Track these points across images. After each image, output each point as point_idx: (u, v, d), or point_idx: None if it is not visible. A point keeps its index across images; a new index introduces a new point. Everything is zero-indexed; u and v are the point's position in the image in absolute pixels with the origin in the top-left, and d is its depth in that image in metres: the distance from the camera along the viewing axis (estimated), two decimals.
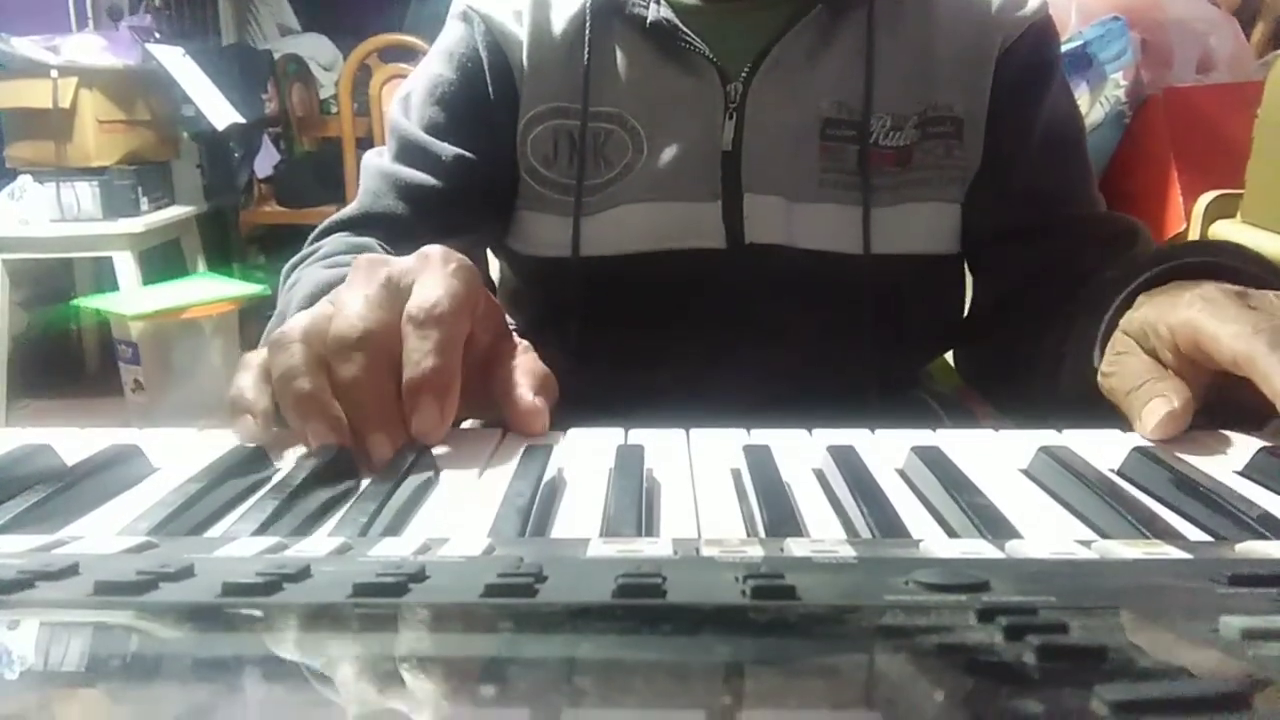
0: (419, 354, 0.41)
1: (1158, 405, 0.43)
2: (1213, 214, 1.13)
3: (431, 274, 0.44)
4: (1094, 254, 0.66)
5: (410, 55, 2.53)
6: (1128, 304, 0.51)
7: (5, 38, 2.72)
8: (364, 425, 0.40)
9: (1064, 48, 1.25)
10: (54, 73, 2.66)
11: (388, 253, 0.66)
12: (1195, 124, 1.26)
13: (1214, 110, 1.27)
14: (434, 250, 0.45)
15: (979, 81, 0.70)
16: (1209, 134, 1.25)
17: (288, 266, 0.70)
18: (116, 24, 3.78)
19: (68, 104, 2.68)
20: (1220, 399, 0.45)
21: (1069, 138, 0.74)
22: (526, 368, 0.47)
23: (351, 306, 0.42)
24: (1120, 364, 0.48)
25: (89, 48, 2.84)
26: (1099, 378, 0.50)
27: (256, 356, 0.44)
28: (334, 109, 4.26)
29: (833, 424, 0.45)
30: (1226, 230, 1.10)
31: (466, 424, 0.55)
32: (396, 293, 0.43)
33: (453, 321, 0.42)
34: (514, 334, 0.50)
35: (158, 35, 3.29)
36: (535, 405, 0.45)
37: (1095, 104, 1.27)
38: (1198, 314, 0.43)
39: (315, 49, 5.09)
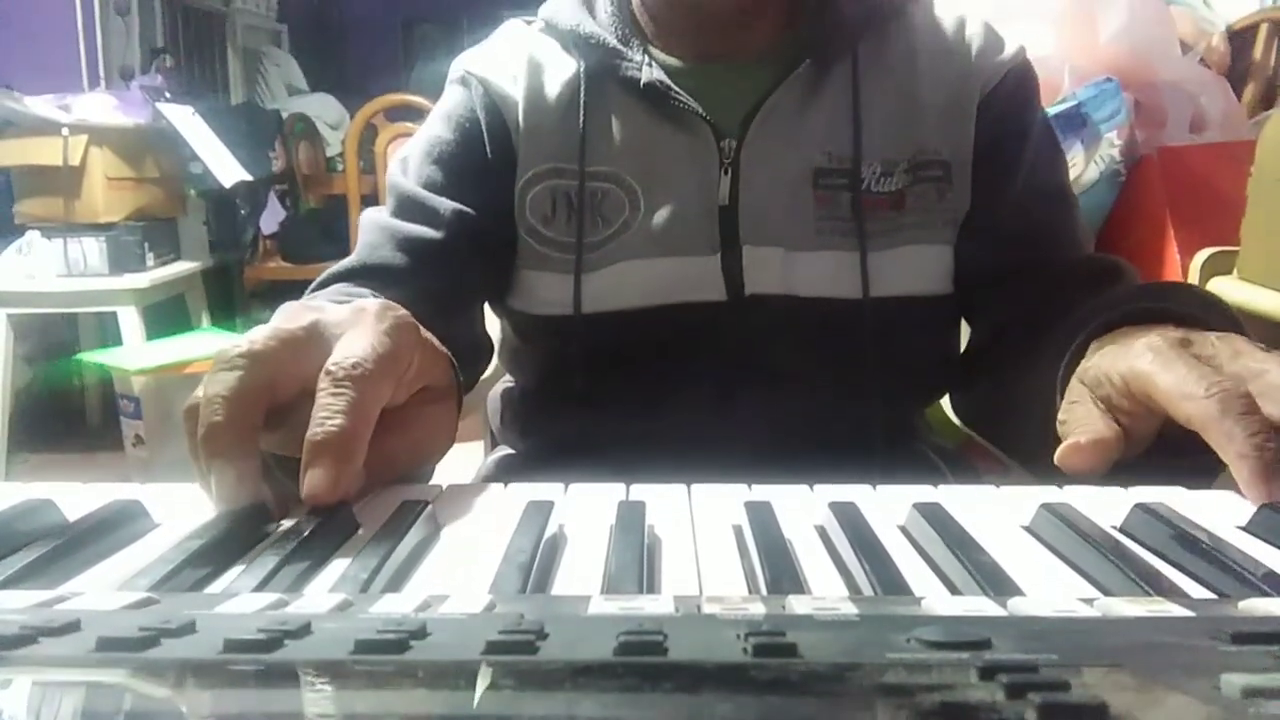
0: (326, 413, 0.39)
1: (1069, 440, 0.47)
2: (1210, 270, 1.14)
3: (362, 329, 0.42)
4: (1079, 293, 0.68)
5: (415, 115, 2.58)
6: (1082, 350, 0.54)
7: (18, 96, 2.78)
8: (209, 449, 0.38)
9: (1058, 108, 1.28)
10: (65, 130, 2.71)
11: None
12: (1190, 182, 1.28)
13: (1208, 168, 1.28)
14: (371, 304, 0.45)
15: (962, 126, 0.72)
16: (1204, 191, 1.27)
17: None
18: (128, 83, 3.86)
19: (77, 161, 2.72)
20: (1171, 433, 0.46)
21: (1053, 179, 0.76)
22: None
23: (253, 334, 0.41)
24: (1070, 412, 0.50)
25: (100, 106, 2.90)
26: (1058, 427, 0.51)
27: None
28: (340, 167, 4.33)
29: (837, 472, 0.46)
30: (1224, 287, 1.10)
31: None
32: (319, 340, 0.42)
33: (371, 383, 0.40)
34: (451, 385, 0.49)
35: (168, 94, 3.35)
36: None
37: (1090, 163, 1.29)
38: (1148, 365, 0.45)
39: (322, 108, 5.19)
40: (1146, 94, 1.36)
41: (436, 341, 0.50)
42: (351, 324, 0.43)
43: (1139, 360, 0.46)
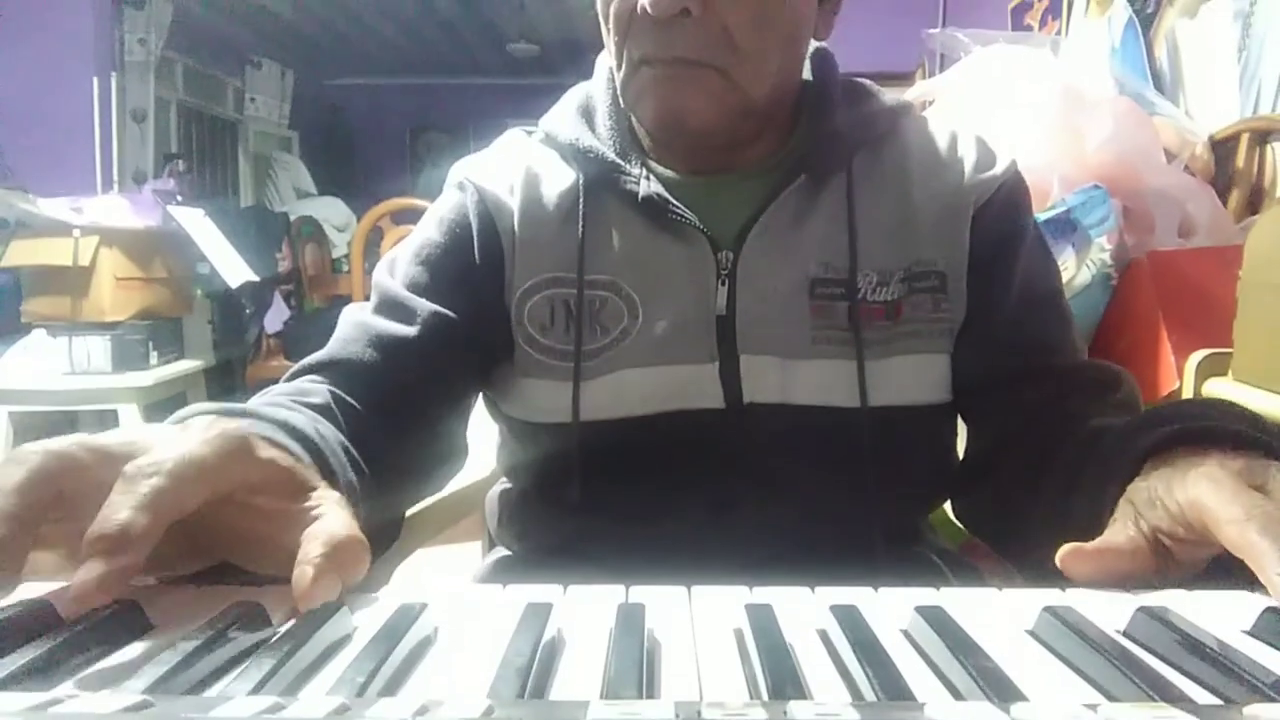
0: (111, 508, 0.38)
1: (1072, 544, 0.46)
2: (1205, 372, 1.15)
3: (177, 438, 0.42)
4: (1078, 400, 0.68)
5: (420, 218, 2.63)
6: (1134, 470, 0.52)
7: (32, 198, 2.84)
8: None
9: (1049, 214, 1.31)
10: (76, 232, 2.77)
11: (341, 401, 0.66)
12: (1181, 285, 1.30)
13: (1198, 272, 1.31)
14: (199, 420, 0.45)
15: (957, 238, 0.74)
16: (1195, 295, 1.29)
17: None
18: (141, 187, 3.96)
19: (87, 261, 2.76)
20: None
21: (1046, 288, 0.77)
22: (316, 534, 0.43)
23: (50, 456, 0.40)
24: (1114, 531, 0.49)
25: (112, 209, 2.97)
26: None
27: None
28: (345, 268, 4.40)
29: (837, 579, 0.45)
30: (1220, 388, 1.11)
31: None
32: (133, 454, 0.41)
33: (169, 481, 0.39)
34: (313, 494, 0.47)
35: (179, 197, 3.44)
36: (312, 584, 0.40)
37: (1082, 267, 1.31)
38: (1203, 494, 0.44)
39: (330, 211, 5.31)
40: (1134, 200, 1.40)
41: (290, 453, 0.49)
42: (170, 434, 0.43)
43: (1195, 489, 0.45)
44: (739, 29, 0.67)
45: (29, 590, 0.40)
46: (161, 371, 2.91)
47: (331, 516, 0.45)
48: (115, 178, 4.45)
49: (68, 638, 0.34)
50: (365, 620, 0.40)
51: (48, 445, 0.40)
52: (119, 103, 4.58)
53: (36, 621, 0.37)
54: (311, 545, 0.42)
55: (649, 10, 0.65)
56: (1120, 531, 0.48)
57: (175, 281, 3.14)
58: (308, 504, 0.46)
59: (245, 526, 0.45)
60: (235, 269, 3.24)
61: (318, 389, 0.66)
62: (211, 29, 6.09)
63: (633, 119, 0.78)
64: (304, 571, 0.40)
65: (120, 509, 0.38)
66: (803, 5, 0.71)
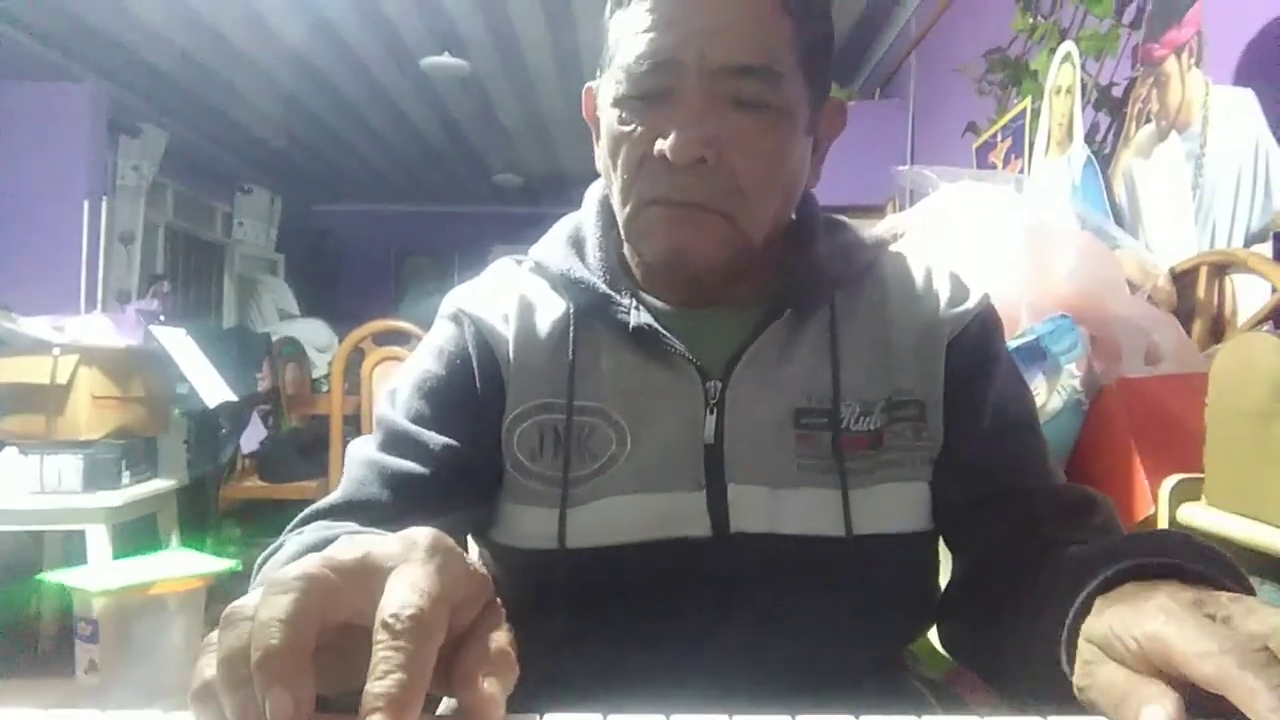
0: (386, 666, 0.38)
1: (1154, 713, 0.41)
2: (1179, 496, 1.16)
3: (412, 568, 0.42)
4: (1056, 524, 0.69)
5: (402, 340, 2.65)
6: (1086, 608, 0.51)
7: (14, 317, 2.85)
8: (267, 675, 0.36)
9: (1019, 342, 1.34)
10: (56, 350, 2.76)
11: None
12: (1151, 411, 1.33)
13: (1167, 398, 1.33)
14: (421, 537, 0.44)
15: (933, 369, 0.76)
16: (1165, 420, 1.31)
17: (260, 559, 0.68)
18: (124, 306, 3.98)
19: (65, 380, 2.75)
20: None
21: (1020, 414, 0.79)
22: (481, 654, 0.44)
23: (306, 561, 0.41)
24: (1093, 675, 0.48)
25: (94, 328, 2.97)
26: (1076, 691, 0.49)
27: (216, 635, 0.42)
28: (325, 388, 4.40)
29: (823, 707, 0.44)
30: (1194, 513, 1.12)
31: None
32: (372, 572, 0.42)
33: (427, 631, 0.40)
34: (496, 604, 0.48)
35: (162, 318, 3.45)
36: (486, 694, 0.41)
37: (1053, 393, 1.34)
38: (1162, 628, 0.43)
39: (312, 332, 5.35)
40: (1101, 329, 1.44)
41: (479, 565, 0.48)
42: (403, 558, 0.43)
43: (1152, 623, 0.44)
44: (747, 178, 0.70)
45: None
46: (133, 491, 2.85)
47: (497, 631, 0.45)
48: (100, 297, 4.48)
49: None
50: None
51: (305, 569, 0.40)
52: (108, 225, 4.65)
53: None
54: (482, 664, 0.42)
55: (668, 156, 0.68)
56: (1147, 684, 0.44)
57: (153, 400, 3.11)
58: (487, 619, 0.46)
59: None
60: (214, 388, 3.23)
61: (353, 528, 0.66)
62: (204, 156, 6.26)
63: (625, 250, 0.80)
64: (486, 694, 0.41)
65: (395, 668, 0.37)
66: (800, 158, 0.75)
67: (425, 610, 0.40)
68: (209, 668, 0.39)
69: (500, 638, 0.45)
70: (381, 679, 0.37)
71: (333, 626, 0.40)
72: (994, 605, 0.68)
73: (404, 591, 0.40)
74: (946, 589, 0.79)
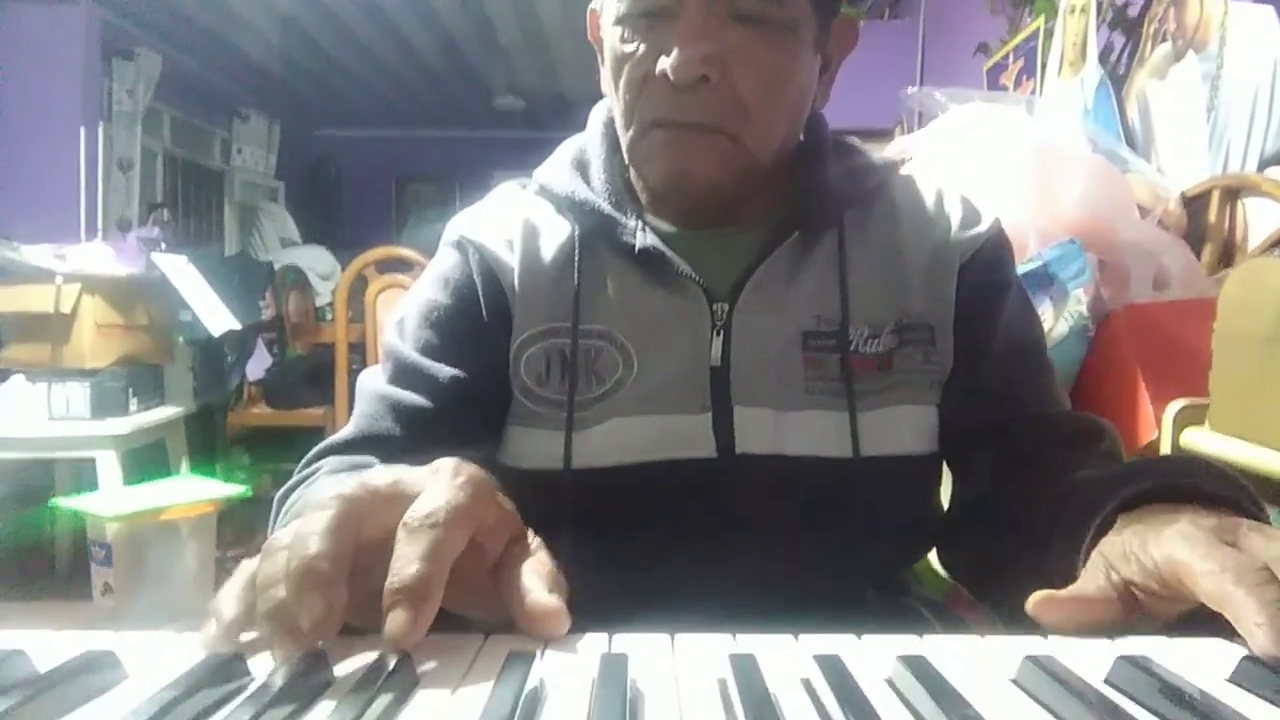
0: (402, 560, 0.40)
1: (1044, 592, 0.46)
2: (1182, 422, 1.17)
3: (437, 484, 0.44)
4: (1061, 450, 0.69)
5: (405, 267, 2.64)
6: (1109, 524, 0.52)
7: (16, 246, 2.84)
8: (303, 581, 0.39)
9: (1027, 268, 1.33)
10: (59, 279, 2.75)
11: None
12: (1157, 337, 1.32)
13: (1173, 324, 1.33)
14: (446, 463, 0.46)
15: (944, 291, 0.75)
16: (1171, 346, 1.30)
17: (280, 493, 0.69)
18: (125, 235, 3.96)
19: (69, 309, 2.75)
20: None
21: (1029, 340, 0.79)
22: (535, 569, 0.45)
23: (341, 484, 0.43)
24: (1081, 580, 0.50)
25: (96, 256, 2.96)
26: None
27: (251, 564, 0.44)
28: (329, 316, 4.40)
29: (825, 628, 0.45)
30: (1197, 438, 1.12)
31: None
32: (401, 496, 0.44)
33: (446, 532, 0.41)
34: (528, 534, 0.50)
35: (163, 245, 3.44)
36: (552, 606, 0.43)
37: (1059, 319, 1.33)
38: (1177, 550, 0.45)
39: (314, 260, 5.32)
40: (1109, 254, 1.42)
41: (504, 498, 0.50)
42: (427, 481, 0.45)
43: (1170, 546, 0.45)
44: (751, 97, 0.69)
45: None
46: (141, 418, 2.88)
47: (543, 553, 0.48)
48: (100, 226, 4.45)
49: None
50: (346, 668, 0.40)
51: (342, 491, 0.43)
52: (105, 152, 4.60)
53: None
54: (540, 581, 0.44)
55: (669, 76, 0.67)
56: (1091, 581, 0.49)
57: (157, 328, 3.12)
58: (524, 546, 0.48)
59: (467, 569, 0.45)
60: (218, 317, 3.23)
61: (370, 462, 0.68)
62: (200, 81, 6.14)
63: (630, 173, 0.79)
64: (551, 605, 0.43)
65: (411, 561, 0.40)
66: (808, 76, 0.73)
67: (442, 513, 0.42)
68: (227, 596, 0.42)
69: (544, 559, 0.47)
70: (398, 571, 0.40)
71: (366, 546, 0.42)
72: (997, 529, 0.69)
73: (424, 500, 0.43)
74: (948, 512, 0.79)
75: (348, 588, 0.40)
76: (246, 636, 0.42)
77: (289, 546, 0.40)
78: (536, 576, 0.45)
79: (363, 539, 0.42)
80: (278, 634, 0.39)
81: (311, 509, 0.42)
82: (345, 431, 0.74)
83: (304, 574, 0.39)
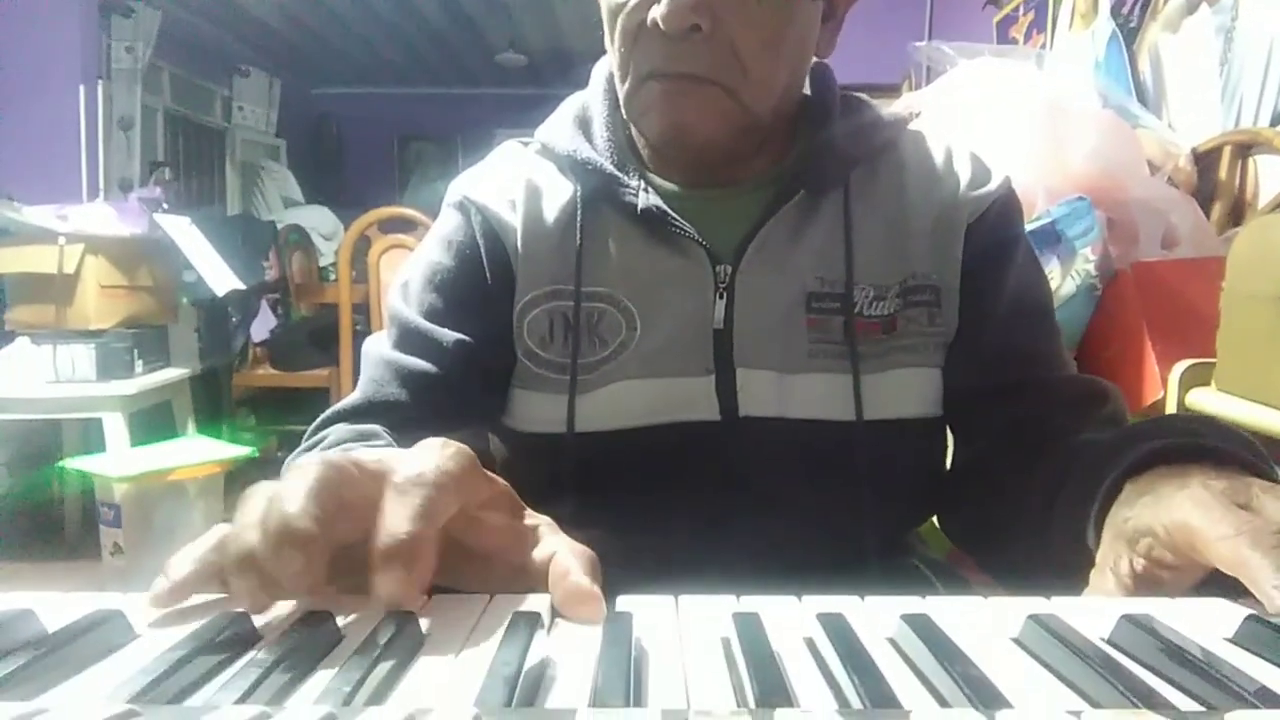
0: (393, 518, 0.40)
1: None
2: (1188, 382, 1.16)
3: (424, 453, 0.43)
4: (1065, 414, 0.69)
5: (408, 227, 2.63)
6: (1117, 488, 0.52)
7: (17, 206, 2.83)
8: (279, 537, 0.38)
9: (1034, 225, 1.32)
10: (61, 239, 2.75)
11: (393, 440, 0.67)
12: (1165, 296, 1.31)
13: (1181, 283, 1.32)
14: (433, 439, 0.45)
15: (951, 252, 0.74)
16: (1178, 305, 1.30)
17: (289, 460, 0.69)
18: (126, 195, 3.94)
19: (72, 269, 2.75)
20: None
21: (1036, 302, 0.78)
22: (572, 550, 0.45)
23: (328, 455, 0.42)
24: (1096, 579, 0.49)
25: (98, 217, 2.95)
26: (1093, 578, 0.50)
27: (224, 527, 0.43)
28: (332, 276, 4.39)
29: (828, 590, 0.45)
30: (1203, 398, 1.12)
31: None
32: (387, 473, 0.43)
33: (435, 494, 0.41)
34: (525, 510, 0.49)
35: (165, 206, 3.42)
36: (594, 592, 0.42)
37: (1067, 278, 1.32)
38: (1189, 515, 0.44)
39: (317, 220, 5.29)
40: (1118, 212, 1.41)
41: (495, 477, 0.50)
42: (415, 452, 0.44)
43: (1180, 511, 0.45)
44: (747, 49, 0.67)
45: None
46: (146, 379, 2.88)
47: (562, 539, 0.47)
48: (101, 186, 4.43)
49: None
50: (352, 628, 0.40)
51: (324, 458, 0.42)
52: (105, 111, 4.56)
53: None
54: (578, 563, 0.43)
55: (660, 25, 0.65)
56: (1106, 581, 0.48)
57: (161, 290, 3.12)
58: (529, 522, 0.47)
59: (472, 543, 0.45)
60: (222, 277, 3.23)
61: (375, 430, 0.68)
62: (199, 38, 6.07)
63: (631, 131, 0.78)
64: (591, 591, 0.42)
65: (403, 520, 0.39)
66: (808, 26, 0.71)
67: (431, 474, 0.41)
68: (184, 553, 0.41)
69: (574, 542, 0.46)
70: (388, 531, 0.39)
71: (347, 512, 0.41)
72: (1000, 492, 0.68)
73: (411, 464, 0.42)
74: (950, 475, 0.79)
75: (328, 551, 0.39)
76: (197, 599, 0.42)
77: (267, 502, 0.40)
78: (574, 557, 0.44)
79: (344, 503, 0.41)
80: (251, 590, 0.38)
81: (295, 471, 0.41)
82: (352, 398, 0.74)
83: (282, 530, 0.38)
